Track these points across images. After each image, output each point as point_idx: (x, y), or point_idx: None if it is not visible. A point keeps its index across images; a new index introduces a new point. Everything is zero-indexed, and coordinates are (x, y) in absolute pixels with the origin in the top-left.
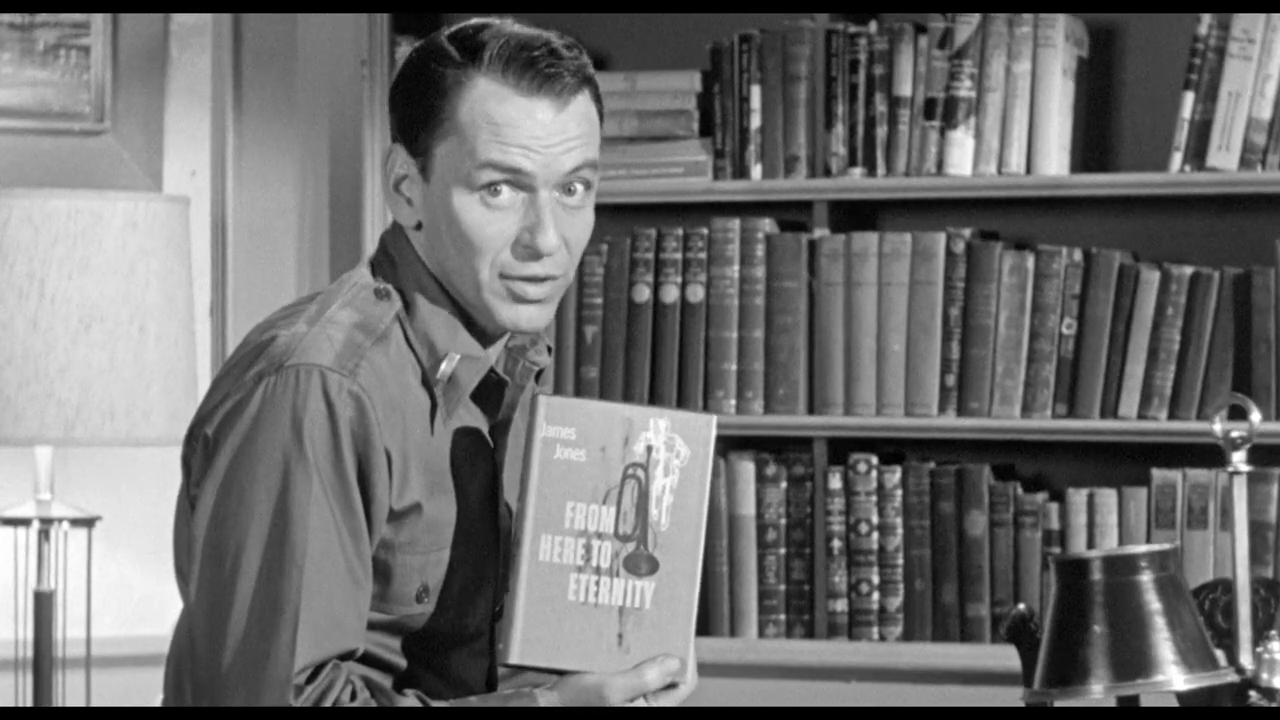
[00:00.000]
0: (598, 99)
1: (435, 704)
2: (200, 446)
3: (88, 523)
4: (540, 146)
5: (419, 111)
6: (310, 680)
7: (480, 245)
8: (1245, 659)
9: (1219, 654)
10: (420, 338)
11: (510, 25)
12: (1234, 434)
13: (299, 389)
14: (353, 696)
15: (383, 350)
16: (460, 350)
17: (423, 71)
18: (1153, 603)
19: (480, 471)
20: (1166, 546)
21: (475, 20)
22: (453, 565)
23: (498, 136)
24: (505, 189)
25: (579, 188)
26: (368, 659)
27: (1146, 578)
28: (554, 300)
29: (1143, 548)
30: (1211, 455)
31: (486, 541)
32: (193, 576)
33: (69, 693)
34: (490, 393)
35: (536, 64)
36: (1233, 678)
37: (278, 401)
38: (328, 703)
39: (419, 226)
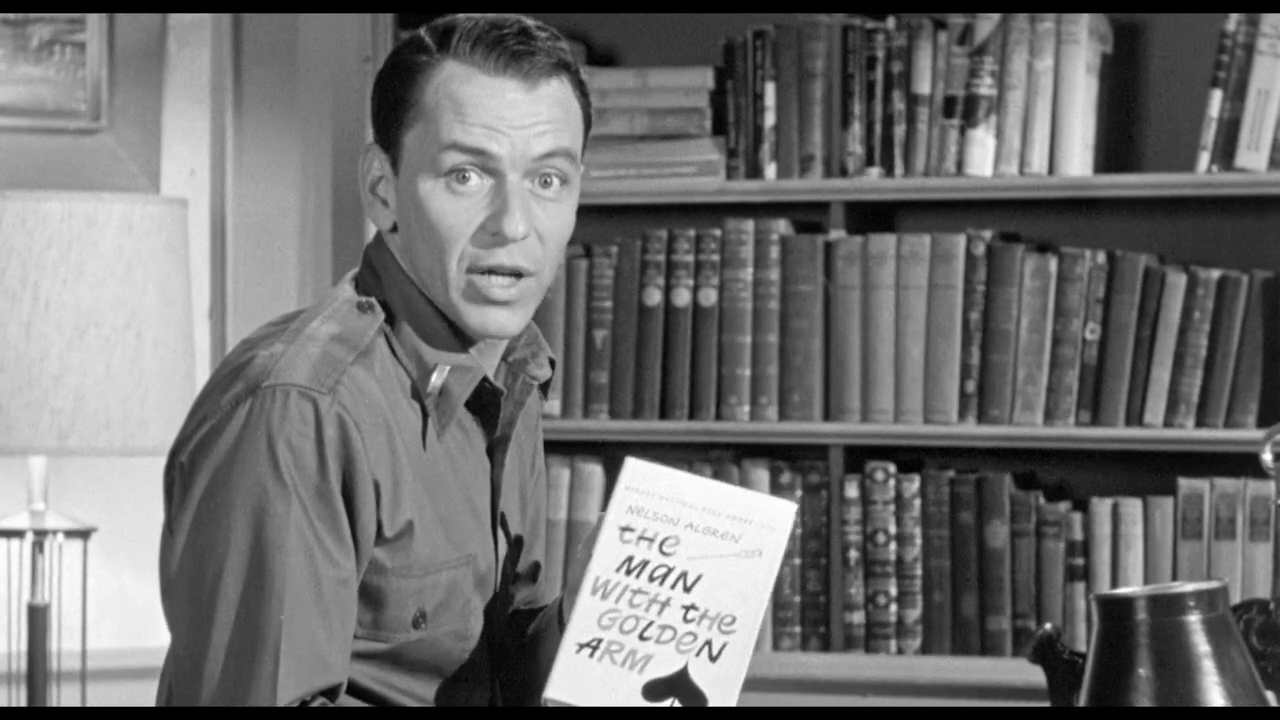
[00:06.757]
0: (581, 90)
1: None
2: (178, 475)
3: (83, 534)
4: (507, 127)
5: (388, 102)
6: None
7: (446, 235)
8: None
9: (1269, 696)
10: (408, 350)
11: (488, 15)
12: None
13: (276, 411)
14: None
15: (366, 365)
16: (450, 360)
17: (394, 63)
18: (1201, 645)
19: (478, 491)
20: (1215, 584)
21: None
22: (449, 588)
23: (461, 116)
24: (473, 175)
25: (554, 180)
26: (365, 695)
27: (1194, 618)
28: (527, 303)
29: (1190, 586)
30: (1240, 464)
31: (485, 564)
32: (173, 611)
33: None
34: (487, 407)
35: (504, 42)
36: None
37: (254, 425)
38: None
39: (394, 229)
